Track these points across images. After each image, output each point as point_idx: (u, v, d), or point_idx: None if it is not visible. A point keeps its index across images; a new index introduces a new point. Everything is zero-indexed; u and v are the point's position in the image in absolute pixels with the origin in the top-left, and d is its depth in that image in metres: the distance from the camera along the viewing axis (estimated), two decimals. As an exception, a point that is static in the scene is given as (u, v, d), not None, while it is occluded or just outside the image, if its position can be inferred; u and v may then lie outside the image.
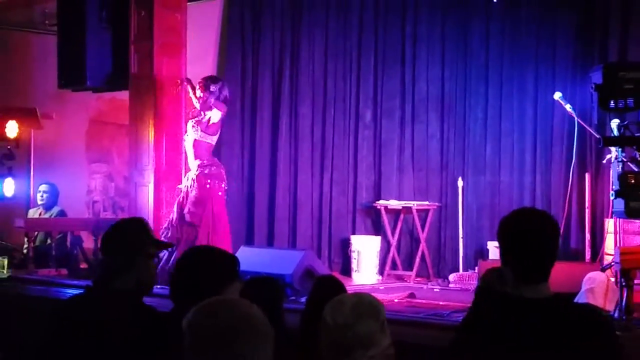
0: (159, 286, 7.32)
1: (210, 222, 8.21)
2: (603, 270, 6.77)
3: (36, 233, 9.79)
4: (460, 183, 9.45)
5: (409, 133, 10.09)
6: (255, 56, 10.74)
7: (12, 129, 9.41)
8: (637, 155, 6.42)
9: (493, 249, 8.84)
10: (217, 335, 1.95)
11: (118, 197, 12.07)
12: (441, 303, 7.20)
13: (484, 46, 9.69)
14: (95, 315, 3.31)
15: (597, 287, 6.15)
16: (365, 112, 10.30)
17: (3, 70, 13.14)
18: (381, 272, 9.59)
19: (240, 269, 3.41)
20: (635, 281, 6.04)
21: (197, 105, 8.54)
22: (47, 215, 10.21)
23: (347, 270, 9.72)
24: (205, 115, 8.38)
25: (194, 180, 8.29)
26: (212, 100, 8.39)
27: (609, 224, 8.00)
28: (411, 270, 9.50)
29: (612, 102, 6.27)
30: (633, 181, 6.09)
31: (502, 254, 2.90)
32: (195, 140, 8.37)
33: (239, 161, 10.54)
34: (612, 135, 6.78)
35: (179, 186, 8.49)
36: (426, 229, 9.60)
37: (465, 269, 9.17)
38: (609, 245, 7.89)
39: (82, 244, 9.75)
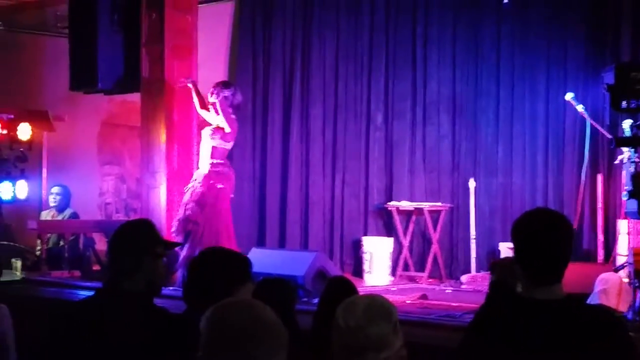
0: (171, 288, 7.41)
1: (214, 222, 8.20)
2: (616, 271, 6.76)
3: (49, 235, 9.82)
4: (472, 184, 9.43)
5: (420, 134, 10.08)
6: (266, 58, 10.75)
7: (24, 131, 9.45)
8: (650, 156, 6.40)
9: (505, 250, 8.82)
10: (233, 337, 1.96)
11: (130, 199, 12.10)
12: (453, 304, 7.19)
13: (495, 47, 9.67)
14: (106, 317, 3.31)
15: (610, 288, 6.13)
16: (377, 113, 10.30)
17: (15, 73, 13.19)
18: (393, 273, 9.59)
19: (252, 270, 3.41)
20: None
21: (198, 108, 8.55)
22: (59, 217, 10.25)
23: (358, 272, 9.72)
24: (219, 120, 8.36)
25: (201, 177, 8.31)
26: (224, 109, 8.36)
27: (622, 224, 7.98)
28: (423, 271, 9.50)
29: (624, 102, 6.26)
30: (646, 182, 6.08)
31: (515, 254, 2.89)
32: (213, 147, 8.38)
33: (250, 163, 10.55)
34: (625, 135, 6.76)
35: (187, 187, 8.50)
36: (438, 230, 9.58)
37: (477, 270, 9.16)
38: (622, 246, 7.86)
39: (95, 245, 9.78)
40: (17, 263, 9.24)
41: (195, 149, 9.00)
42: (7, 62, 13.32)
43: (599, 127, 8.23)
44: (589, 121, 8.20)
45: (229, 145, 8.49)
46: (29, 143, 9.59)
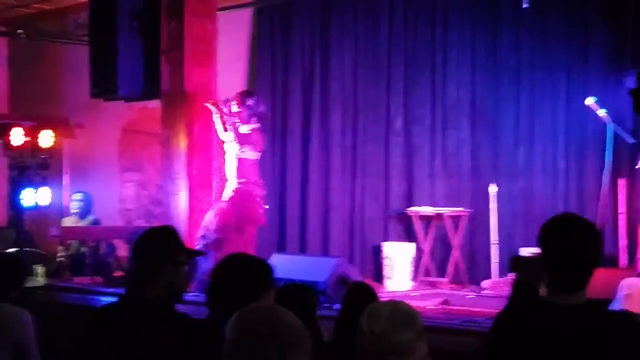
0: (192, 293, 7.42)
1: (240, 243, 8.19)
2: (639, 275, 6.71)
3: (71, 241, 9.87)
4: (492, 189, 9.39)
5: (439, 139, 10.05)
6: (285, 64, 10.77)
7: (46, 139, 9.50)
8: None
9: (527, 255, 8.77)
10: (257, 342, 1.96)
11: (151, 205, 12.14)
12: (475, 310, 7.16)
13: (515, 51, 9.62)
14: (129, 323, 3.32)
15: (634, 293, 6.09)
16: (396, 118, 10.28)
17: (36, 81, 13.29)
18: (414, 278, 9.56)
19: (274, 276, 3.42)
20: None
21: (220, 129, 8.53)
22: (81, 224, 10.30)
23: (379, 277, 9.70)
24: (245, 129, 8.35)
25: (228, 196, 8.31)
26: (248, 119, 8.35)
27: (645, 229, 7.93)
28: (444, 276, 9.46)
29: (646, 106, 6.22)
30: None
31: (543, 259, 2.87)
32: (239, 159, 8.36)
33: (270, 169, 10.56)
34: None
35: (219, 203, 8.48)
36: (459, 236, 9.55)
37: (498, 276, 9.11)
38: (645, 250, 7.81)
39: (116, 252, 9.82)
40: (40, 269, 9.29)
41: (215, 155, 9.03)
42: (28, 70, 13.43)
43: (620, 132, 8.18)
44: (610, 125, 8.15)
45: (255, 156, 8.45)
46: (51, 150, 9.64)
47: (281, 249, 10.16)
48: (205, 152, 9.03)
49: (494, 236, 9.30)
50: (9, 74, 13.86)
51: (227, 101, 8.60)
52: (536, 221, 8.21)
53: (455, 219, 9.62)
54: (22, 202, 9.35)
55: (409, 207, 9.94)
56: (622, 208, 8.48)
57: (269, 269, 3.39)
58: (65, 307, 7.83)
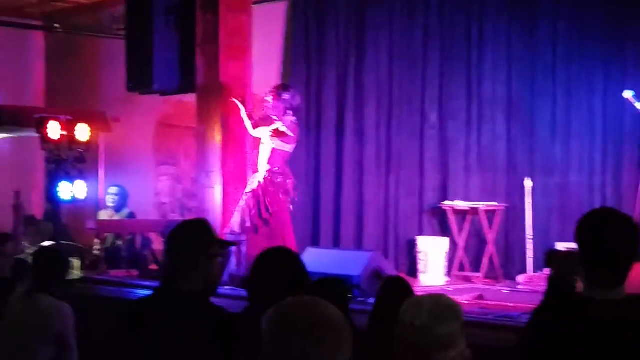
0: (227, 287, 7.45)
1: (274, 231, 8.20)
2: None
3: (107, 234, 9.95)
4: (528, 183, 9.32)
5: (475, 133, 9.99)
6: (320, 57, 10.77)
7: (83, 132, 9.57)
8: None
9: (563, 249, 8.71)
10: (295, 335, 1.95)
11: (185, 198, 12.21)
12: (511, 305, 7.12)
13: (551, 44, 9.53)
14: (164, 316, 3.34)
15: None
16: (431, 112, 10.23)
17: (73, 75, 13.41)
18: (448, 273, 9.52)
19: (308, 270, 3.42)
20: None
21: (249, 126, 8.54)
22: (117, 217, 10.38)
23: (413, 272, 9.67)
24: (279, 123, 8.35)
25: (259, 185, 8.31)
26: (284, 112, 8.34)
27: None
28: (478, 271, 9.41)
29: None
30: None
31: (580, 254, 2.84)
32: (272, 148, 8.36)
33: (304, 162, 10.56)
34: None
35: (246, 190, 8.51)
36: (494, 230, 9.49)
37: (534, 271, 9.05)
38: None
39: (152, 245, 9.88)
40: (76, 262, 9.37)
41: (250, 148, 9.05)
42: (65, 65, 13.56)
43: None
44: (648, 119, 8.05)
45: (289, 148, 8.43)
46: (87, 144, 9.71)
47: (315, 243, 10.17)
48: (240, 145, 9.06)
49: (529, 231, 9.23)
50: (46, 68, 14.00)
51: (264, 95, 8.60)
52: (572, 216, 8.14)
53: (490, 213, 9.56)
54: (59, 195, 9.43)
55: (443, 201, 9.89)
56: (660, 202, 8.37)
57: (303, 264, 3.39)
58: (101, 299, 7.90)
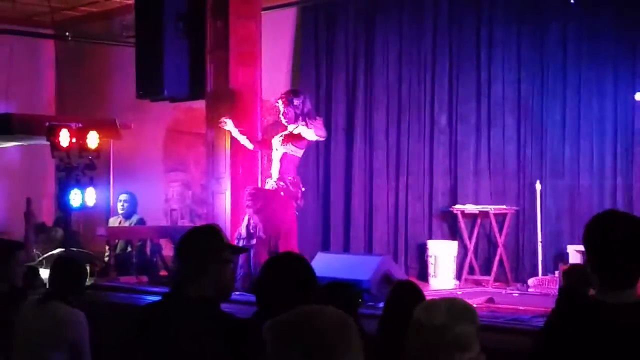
0: (237, 292, 7.45)
1: (280, 239, 8.18)
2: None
3: (117, 241, 9.97)
4: (538, 186, 9.30)
5: (485, 137, 9.99)
6: (329, 63, 10.79)
7: (93, 139, 9.59)
8: None
9: (573, 253, 8.69)
10: (310, 343, 1.92)
11: (195, 204, 12.22)
12: (521, 308, 7.10)
13: (561, 47, 9.52)
14: (173, 322, 3.34)
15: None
16: (441, 116, 10.23)
17: (83, 82, 13.45)
18: (458, 277, 9.51)
19: (318, 274, 3.42)
20: None
21: (245, 142, 8.55)
22: (127, 224, 10.40)
23: (423, 276, 9.67)
24: (293, 128, 8.33)
25: (266, 197, 8.31)
26: (296, 119, 8.32)
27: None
28: (489, 275, 9.40)
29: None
30: None
31: (589, 257, 2.84)
32: (285, 153, 8.36)
33: (314, 167, 10.58)
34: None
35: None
36: (504, 233, 9.48)
37: (544, 274, 9.03)
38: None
39: (162, 251, 9.89)
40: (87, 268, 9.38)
41: (260, 154, 9.07)
42: (75, 72, 13.61)
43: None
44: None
45: (299, 153, 8.43)
46: (97, 151, 9.73)
47: (325, 247, 10.17)
48: (250, 151, 9.07)
49: (539, 234, 9.22)
50: (57, 76, 14.06)
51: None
52: (582, 219, 8.13)
53: (500, 216, 9.55)
54: (69, 202, 9.45)
55: (453, 205, 9.89)
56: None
57: (311, 268, 3.38)
58: (112, 306, 7.90)
